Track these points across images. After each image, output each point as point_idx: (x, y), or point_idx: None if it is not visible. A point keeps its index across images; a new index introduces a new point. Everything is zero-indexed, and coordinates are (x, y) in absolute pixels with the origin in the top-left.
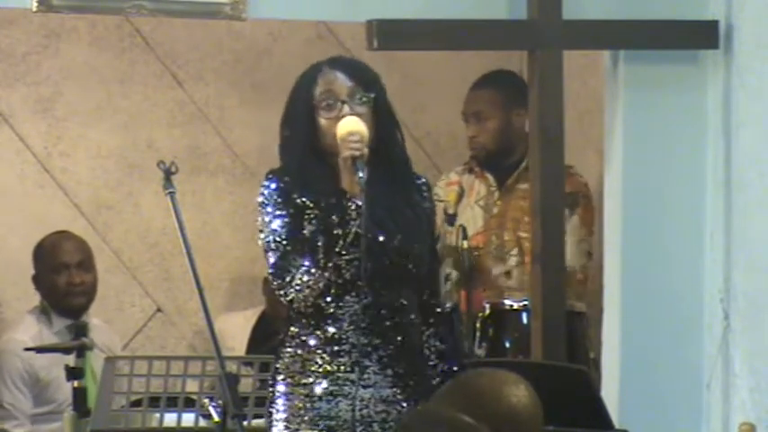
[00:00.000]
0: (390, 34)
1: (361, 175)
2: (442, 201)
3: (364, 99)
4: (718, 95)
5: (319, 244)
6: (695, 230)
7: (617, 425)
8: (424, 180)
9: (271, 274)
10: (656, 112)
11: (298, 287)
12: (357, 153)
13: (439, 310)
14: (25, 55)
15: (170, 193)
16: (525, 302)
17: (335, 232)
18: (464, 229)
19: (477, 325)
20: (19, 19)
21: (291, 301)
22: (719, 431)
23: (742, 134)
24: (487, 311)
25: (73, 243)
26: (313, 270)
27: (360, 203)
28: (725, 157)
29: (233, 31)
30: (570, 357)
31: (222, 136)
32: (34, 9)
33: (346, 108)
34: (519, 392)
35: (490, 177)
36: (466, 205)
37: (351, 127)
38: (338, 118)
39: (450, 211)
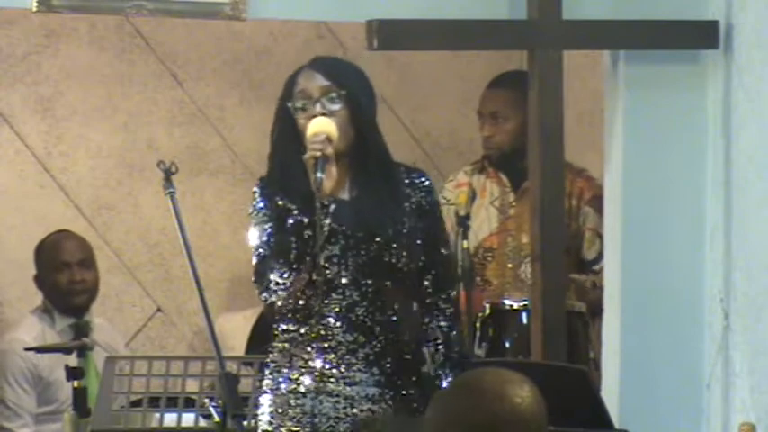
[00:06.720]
0: (390, 34)
1: (318, 175)
2: (452, 204)
3: (336, 97)
4: (719, 95)
5: (294, 246)
6: (695, 230)
7: (617, 425)
8: (416, 174)
9: (253, 278)
10: (656, 112)
11: (273, 289)
12: (318, 154)
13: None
14: (25, 55)
15: (170, 193)
16: (525, 302)
17: (306, 233)
18: (464, 230)
19: (477, 325)
20: (19, 19)
21: (271, 303)
22: (719, 431)
23: (742, 134)
24: (487, 311)
25: (74, 242)
26: (285, 271)
27: (326, 203)
28: (725, 157)
29: (233, 31)
30: (570, 357)
31: (222, 136)
32: (34, 9)
33: (318, 107)
34: (523, 393)
35: (504, 178)
36: (480, 206)
37: (316, 128)
38: (312, 118)
39: (462, 213)
